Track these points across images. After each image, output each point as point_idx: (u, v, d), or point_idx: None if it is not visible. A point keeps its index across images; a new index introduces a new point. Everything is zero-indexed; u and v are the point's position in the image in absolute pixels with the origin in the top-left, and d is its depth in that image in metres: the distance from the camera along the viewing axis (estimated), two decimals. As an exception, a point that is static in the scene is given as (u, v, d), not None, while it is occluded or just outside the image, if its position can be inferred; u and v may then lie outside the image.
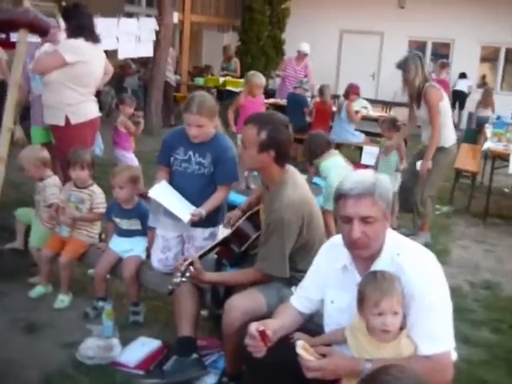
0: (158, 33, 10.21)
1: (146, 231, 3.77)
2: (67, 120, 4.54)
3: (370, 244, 2.13)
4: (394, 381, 1.66)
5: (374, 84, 15.22)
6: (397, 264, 2.13)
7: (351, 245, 2.16)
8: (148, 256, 3.72)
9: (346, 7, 14.80)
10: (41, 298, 3.92)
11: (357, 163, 6.98)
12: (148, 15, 12.05)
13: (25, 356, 3.24)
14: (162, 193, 3.42)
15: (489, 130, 8.29)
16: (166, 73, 10.96)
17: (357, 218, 2.09)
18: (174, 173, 3.52)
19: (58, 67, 4.39)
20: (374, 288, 2.08)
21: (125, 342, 3.34)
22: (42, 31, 3.17)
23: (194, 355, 3.03)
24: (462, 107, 14.00)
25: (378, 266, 2.17)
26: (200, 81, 12.30)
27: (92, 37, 4.59)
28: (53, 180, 4.15)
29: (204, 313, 3.52)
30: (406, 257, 2.15)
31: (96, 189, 3.98)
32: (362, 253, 2.16)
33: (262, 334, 2.15)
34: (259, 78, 6.82)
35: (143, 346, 3.30)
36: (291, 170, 2.93)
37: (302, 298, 2.47)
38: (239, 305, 2.69)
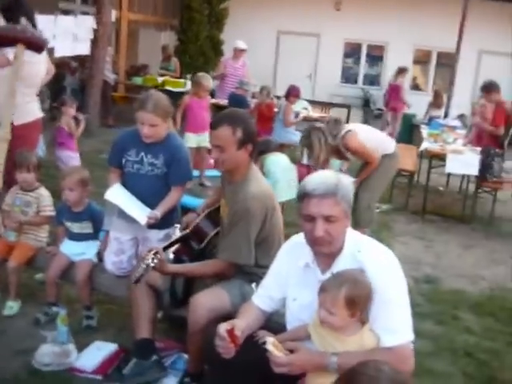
0: (96, 31, 10.01)
1: (97, 234, 3.72)
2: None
3: (332, 242, 2.21)
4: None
5: (310, 85, 15.45)
6: (359, 261, 2.21)
7: (314, 242, 2.23)
8: (100, 259, 3.67)
9: (283, 8, 14.87)
10: (-13, 305, 3.80)
11: (298, 163, 7.09)
12: (84, 12, 11.75)
13: (-24, 365, 3.14)
14: (118, 195, 3.39)
15: (424, 130, 8.62)
16: (104, 72, 10.78)
17: (320, 216, 2.17)
18: (126, 174, 3.48)
19: (1, 67, 4.24)
20: (326, 280, 2.19)
21: (80, 348, 3.28)
22: (38, 48, 3.14)
23: (154, 357, 3.01)
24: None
25: (340, 262, 2.25)
26: (138, 80, 12.05)
27: (36, 35, 4.47)
28: None
29: (159, 315, 3.50)
30: (366, 253, 2.24)
31: (43, 191, 3.88)
32: (324, 249, 2.23)
33: (231, 334, 2.17)
34: (208, 81, 6.93)
35: (99, 351, 3.26)
36: (253, 165, 2.98)
37: (263, 297, 2.51)
38: (205, 301, 2.70)
